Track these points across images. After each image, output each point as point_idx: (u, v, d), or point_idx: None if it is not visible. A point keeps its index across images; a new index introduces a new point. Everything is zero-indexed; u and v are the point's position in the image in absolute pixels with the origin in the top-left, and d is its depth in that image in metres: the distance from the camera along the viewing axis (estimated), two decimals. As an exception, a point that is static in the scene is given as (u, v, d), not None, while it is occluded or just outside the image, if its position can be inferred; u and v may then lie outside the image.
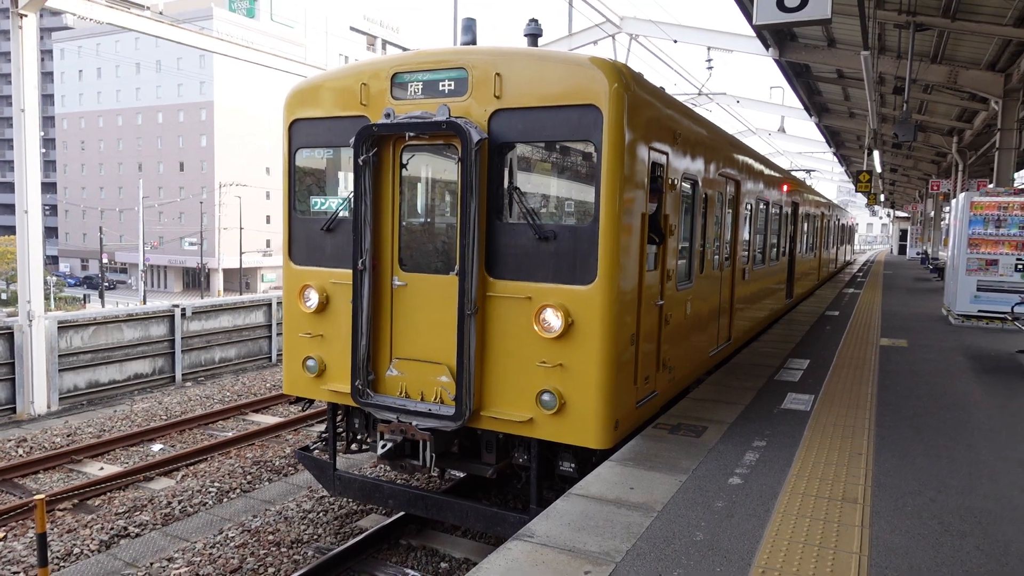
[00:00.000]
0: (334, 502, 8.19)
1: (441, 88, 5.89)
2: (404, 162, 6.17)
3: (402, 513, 7.19)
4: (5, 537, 7.67)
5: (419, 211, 6.57)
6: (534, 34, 6.63)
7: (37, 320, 13.19)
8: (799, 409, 7.13)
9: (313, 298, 6.57)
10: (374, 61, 6.45)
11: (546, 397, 5.56)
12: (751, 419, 6.73)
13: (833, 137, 31.96)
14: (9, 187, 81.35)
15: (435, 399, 6.04)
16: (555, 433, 5.63)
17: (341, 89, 6.40)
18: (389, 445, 6.13)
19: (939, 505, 4.77)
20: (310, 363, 6.64)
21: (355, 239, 6.10)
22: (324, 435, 7.27)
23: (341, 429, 7.05)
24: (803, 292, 18.22)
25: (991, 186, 16.35)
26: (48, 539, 6.57)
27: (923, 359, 10.08)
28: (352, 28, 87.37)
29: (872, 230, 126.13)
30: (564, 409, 5.53)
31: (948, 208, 23.47)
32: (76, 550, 7.25)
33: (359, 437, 7.04)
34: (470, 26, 6.55)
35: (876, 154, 23.76)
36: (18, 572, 6.82)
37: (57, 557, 7.07)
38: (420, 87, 5.98)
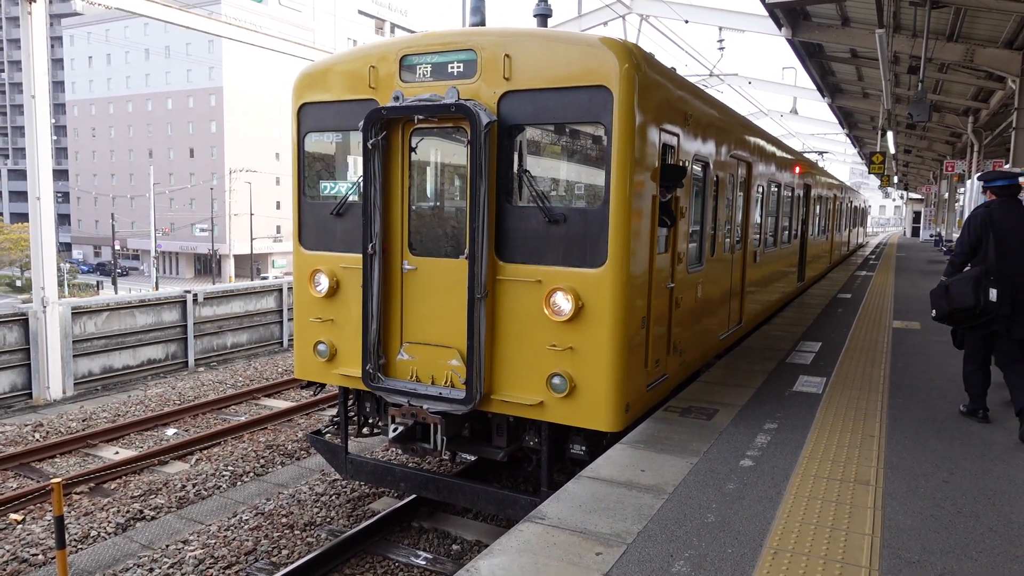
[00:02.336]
0: (346, 485, 8.25)
1: (450, 70, 5.84)
2: (413, 145, 6.14)
3: (414, 496, 7.23)
4: (24, 520, 7.78)
5: (428, 195, 6.55)
6: (544, 14, 6.57)
7: (51, 306, 13.30)
8: (811, 392, 7.10)
9: (323, 283, 6.57)
10: (382, 44, 6.40)
11: (556, 380, 5.56)
12: (762, 402, 6.71)
13: (846, 118, 31.56)
14: (22, 174, 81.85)
15: (446, 383, 6.05)
16: (566, 416, 5.63)
17: (350, 72, 6.36)
18: (400, 429, 6.16)
19: (952, 487, 4.75)
20: (321, 347, 6.66)
21: (365, 223, 6.09)
22: (336, 419, 7.31)
23: (352, 413, 7.08)
24: (815, 275, 18.10)
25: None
26: (65, 522, 6.65)
27: (936, 341, 10.00)
28: (360, 12, 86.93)
29: (885, 212, 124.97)
30: (575, 392, 5.53)
31: (963, 189, 23.19)
32: (93, 532, 7.35)
33: (370, 421, 7.07)
34: (479, 7, 6.49)
35: (890, 135, 23.45)
36: (37, 554, 6.93)
37: (74, 539, 7.18)
38: (429, 69, 5.93)
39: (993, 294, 5.53)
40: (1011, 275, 5.64)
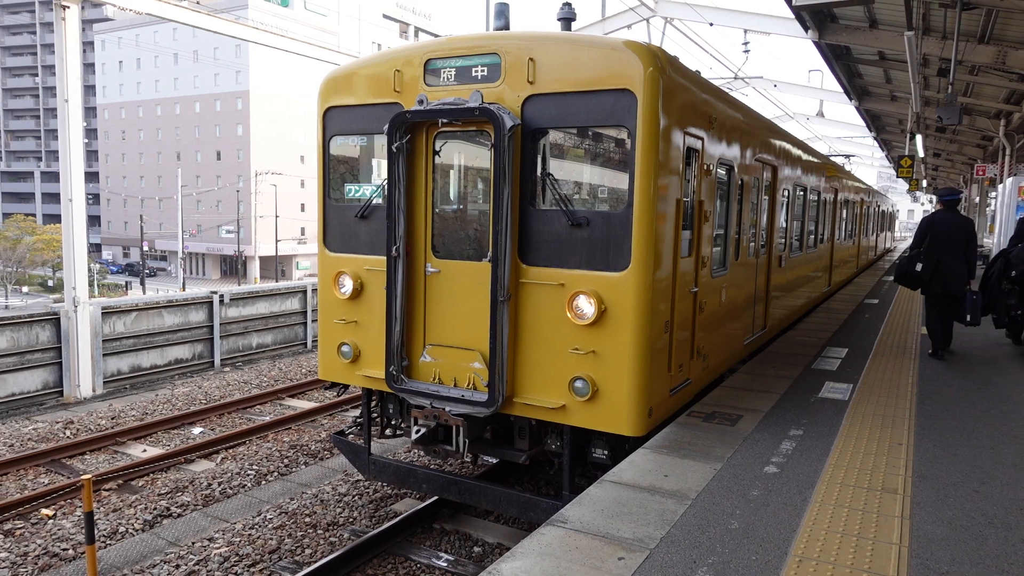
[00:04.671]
0: (369, 486, 8.31)
1: (474, 74, 5.87)
2: (437, 149, 6.18)
3: (436, 498, 7.26)
4: (54, 515, 7.93)
5: (452, 198, 6.58)
6: (568, 18, 6.57)
7: (82, 306, 13.55)
8: (837, 398, 7.01)
9: (348, 285, 6.63)
10: (407, 48, 6.45)
11: (579, 384, 5.55)
12: (787, 408, 6.64)
13: (874, 121, 31.09)
14: (54, 176, 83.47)
15: (468, 385, 6.07)
16: (588, 420, 5.62)
17: (375, 76, 6.41)
18: (423, 430, 6.19)
19: (983, 496, 4.66)
20: (345, 349, 6.72)
21: (389, 226, 6.14)
22: (359, 420, 7.36)
23: (375, 414, 7.13)
24: (841, 280, 17.88)
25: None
26: (95, 518, 6.77)
27: (967, 347, 9.83)
28: (385, 16, 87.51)
29: (914, 216, 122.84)
30: (597, 396, 5.52)
31: (994, 193, 22.76)
32: (121, 528, 7.48)
33: (393, 422, 7.11)
34: (503, 11, 6.50)
35: (919, 138, 23.09)
36: (67, 549, 7.06)
37: (103, 535, 7.30)
38: (453, 73, 5.97)
39: (919, 267, 8.70)
40: (937, 258, 8.64)
